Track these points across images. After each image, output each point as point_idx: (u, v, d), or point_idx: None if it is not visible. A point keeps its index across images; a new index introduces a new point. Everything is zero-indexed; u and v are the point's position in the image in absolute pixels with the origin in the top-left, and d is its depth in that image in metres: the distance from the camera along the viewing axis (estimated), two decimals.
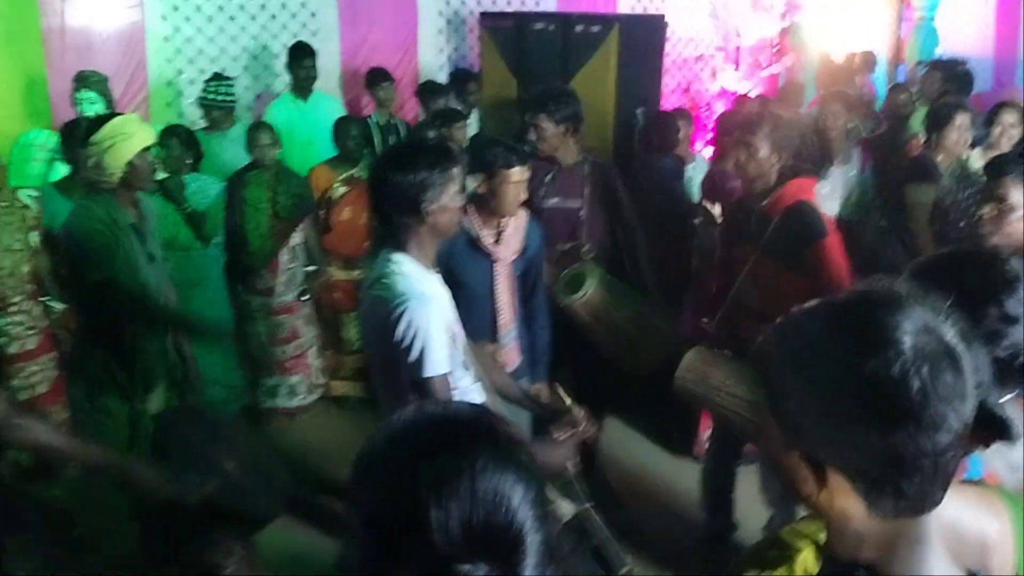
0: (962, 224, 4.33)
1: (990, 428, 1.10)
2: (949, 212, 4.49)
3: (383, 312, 2.39)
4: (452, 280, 3.17)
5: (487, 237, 3.35)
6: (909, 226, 4.63)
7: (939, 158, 4.62)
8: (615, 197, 4.22)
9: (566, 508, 2.42)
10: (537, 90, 4.26)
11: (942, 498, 1.09)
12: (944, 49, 9.91)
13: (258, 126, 5.12)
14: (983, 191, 2.60)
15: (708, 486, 3.98)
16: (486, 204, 3.34)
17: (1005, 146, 4.74)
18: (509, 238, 3.39)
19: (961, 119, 4.60)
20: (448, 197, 2.46)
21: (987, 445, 1.14)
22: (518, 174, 3.28)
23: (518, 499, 0.99)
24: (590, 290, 3.63)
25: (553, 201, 4.09)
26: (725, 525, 3.95)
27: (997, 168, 2.62)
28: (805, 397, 1.08)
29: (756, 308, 3.46)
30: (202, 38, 6.31)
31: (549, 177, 4.08)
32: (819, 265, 3.28)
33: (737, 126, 3.69)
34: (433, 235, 2.50)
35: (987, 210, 2.53)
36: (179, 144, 4.76)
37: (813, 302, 1.16)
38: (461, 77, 6.42)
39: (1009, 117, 4.77)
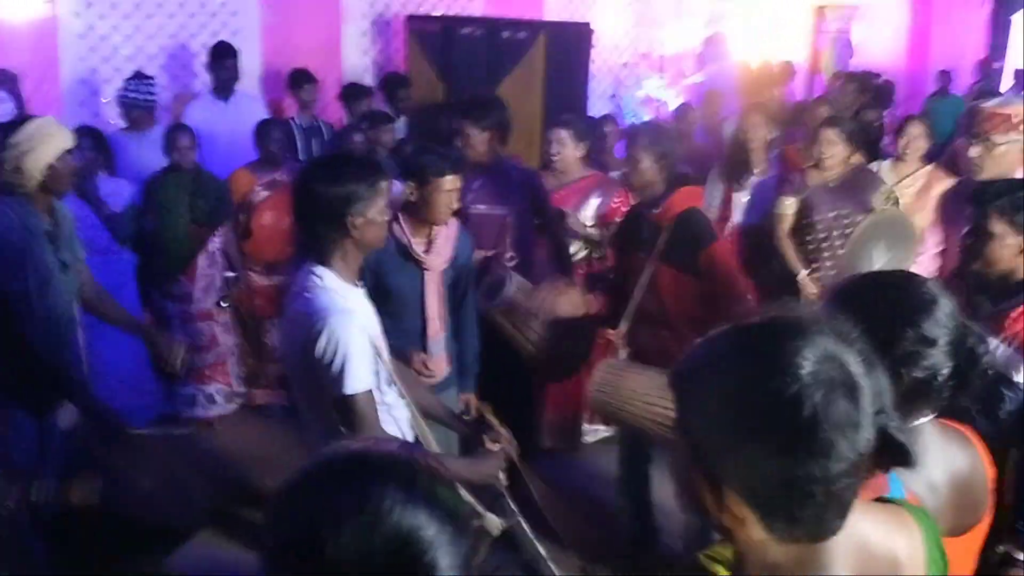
0: (835, 238, 4.47)
1: (889, 454, 1.11)
2: (817, 226, 4.58)
3: (304, 327, 2.33)
4: (382, 288, 3.14)
5: (418, 246, 3.31)
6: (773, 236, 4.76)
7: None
8: (541, 205, 4.23)
9: (495, 523, 2.39)
10: (463, 97, 4.25)
11: (839, 526, 1.10)
12: (859, 61, 10.22)
13: (177, 128, 5.00)
14: (972, 222, 2.61)
15: (625, 493, 4.00)
16: (417, 212, 3.30)
17: (912, 159, 4.88)
18: (440, 247, 3.36)
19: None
20: (374, 211, 2.40)
21: (886, 470, 1.16)
22: (450, 182, 3.26)
23: (429, 538, 0.98)
24: (507, 297, 3.62)
25: (479, 208, 4.08)
26: (647, 529, 3.98)
27: (980, 198, 2.60)
28: (708, 415, 1.09)
29: (658, 314, 3.56)
30: (118, 36, 6.10)
31: (477, 183, 4.07)
32: (712, 269, 3.43)
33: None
34: (358, 249, 2.44)
35: (971, 239, 2.57)
36: (92, 145, 4.61)
37: (725, 326, 1.18)
38: (392, 82, 6.35)
39: (915, 129, 4.92)
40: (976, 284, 2.60)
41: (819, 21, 10.33)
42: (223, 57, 5.82)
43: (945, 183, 4.64)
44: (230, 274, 5.09)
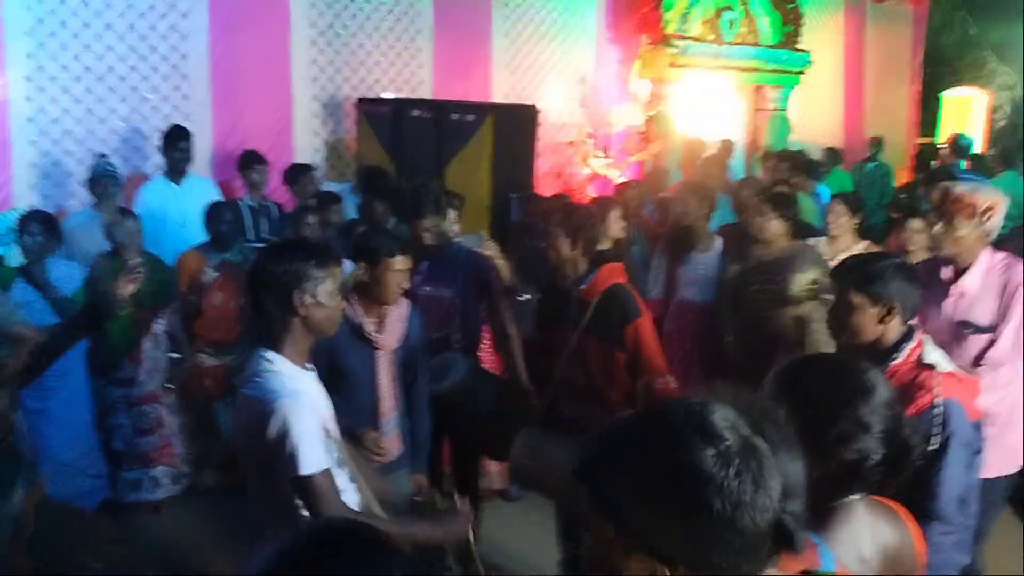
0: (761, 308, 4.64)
1: (778, 539, 1.18)
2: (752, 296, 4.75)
3: (256, 411, 2.36)
4: (335, 368, 3.18)
5: (369, 325, 3.36)
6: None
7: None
8: (488, 287, 4.32)
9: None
10: (410, 193, 4.33)
11: None
12: (797, 137, 10.61)
13: (120, 211, 5.01)
14: (836, 298, 2.73)
15: (563, 543, 4.02)
16: (368, 292, 3.37)
17: (842, 235, 5.07)
18: (391, 326, 3.42)
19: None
20: (324, 294, 2.45)
21: (770, 556, 1.21)
22: (401, 262, 3.34)
23: None
24: (456, 379, 3.69)
25: (427, 289, 4.15)
26: None
27: (839, 273, 2.73)
28: (633, 493, 1.18)
29: (583, 386, 3.69)
30: (69, 119, 6.15)
31: (423, 266, 4.15)
32: (636, 343, 3.57)
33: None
34: (307, 332, 2.47)
35: (838, 316, 2.69)
36: (42, 229, 4.61)
37: (629, 413, 1.29)
38: (295, 171, 6.31)
39: (838, 207, 5.14)
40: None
41: (757, 100, 10.73)
42: (176, 140, 5.88)
43: None
44: (175, 355, 5.07)
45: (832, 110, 12.01)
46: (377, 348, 3.37)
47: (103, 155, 5.62)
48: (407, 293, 3.54)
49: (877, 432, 1.78)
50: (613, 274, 3.67)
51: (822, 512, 1.78)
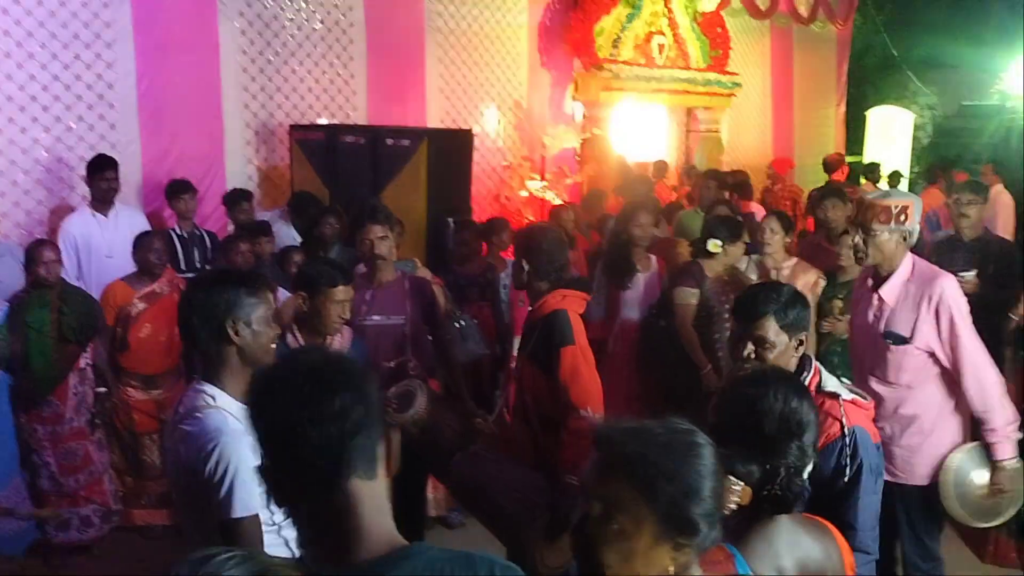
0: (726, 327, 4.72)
1: None
2: (713, 316, 4.95)
3: (194, 447, 2.28)
4: None
5: None
6: (675, 324, 5.05)
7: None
8: (433, 311, 4.29)
9: None
10: (358, 208, 4.31)
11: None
12: (728, 158, 10.82)
13: (39, 243, 4.87)
14: (740, 331, 2.72)
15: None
16: (309, 322, 3.34)
17: (774, 252, 5.15)
18: None
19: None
20: (258, 320, 2.40)
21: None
22: (342, 292, 3.32)
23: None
24: (420, 407, 3.60)
25: (376, 319, 4.11)
26: None
27: (751, 309, 2.67)
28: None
29: (520, 408, 3.70)
30: None
31: (369, 295, 4.11)
32: (561, 370, 3.41)
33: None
34: (244, 363, 2.41)
35: (746, 350, 2.66)
36: None
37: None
38: (233, 196, 6.24)
39: (774, 224, 5.22)
40: None
41: (690, 121, 10.93)
42: (102, 169, 5.73)
43: (809, 275, 4.95)
44: (102, 389, 4.91)
45: (762, 130, 12.28)
46: None
47: None
48: (350, 322, 3.50)
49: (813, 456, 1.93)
50: (554, 299, 3.55)
51: (743, 526, 1.86)
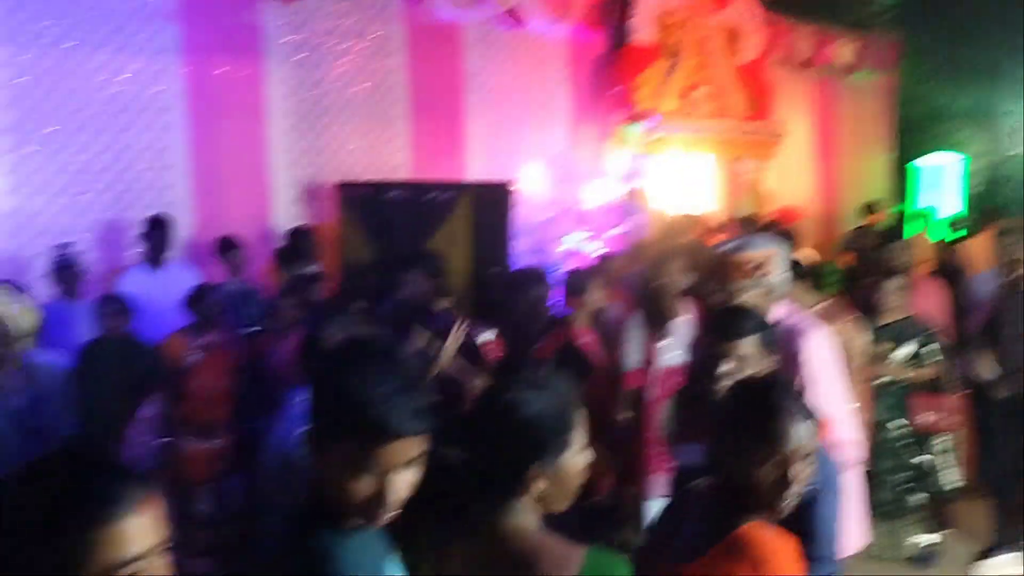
0: None
1: None
2: None
3: None
4: None
5: None
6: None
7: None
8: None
9: None
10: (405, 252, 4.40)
11: None
12: (773, 208, 10.78)
13: (105, 298, 5.05)
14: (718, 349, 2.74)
15: None
16: None
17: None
18: None
19: None
20: None
21: None
22: None
23: None
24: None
25: None
26: None
27: (735, 329, 2.71)
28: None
29: None
30: (49, 212, 6.24)
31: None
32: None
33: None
34: None
35: (727, 367, 2.68)
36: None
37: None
38: (225, 245, 6.38)
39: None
40: None
41: (734, 172, 10.92)
42: (158, 228, 5.97)
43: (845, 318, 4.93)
44: (164, 440, 5.04)
45: (808, 180, 12.23)
46: None
47: (63, 244, 5.68)
48: None
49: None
50: (564, 333, 3.71)
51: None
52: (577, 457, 1.82)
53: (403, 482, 1.57)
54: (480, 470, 1.81)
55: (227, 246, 6.18)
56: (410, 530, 1.82)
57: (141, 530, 1.33)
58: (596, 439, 3.73)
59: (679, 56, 9.74)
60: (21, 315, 3.39)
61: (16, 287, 3.51)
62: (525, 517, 1.76)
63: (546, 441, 1.76)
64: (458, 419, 1.64)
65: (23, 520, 1.26)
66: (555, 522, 1.80)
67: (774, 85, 10.85)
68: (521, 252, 7.80)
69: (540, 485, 1.76)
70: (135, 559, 1.31)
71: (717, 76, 10.23)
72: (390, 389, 1.53)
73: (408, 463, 1.57)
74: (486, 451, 1.79)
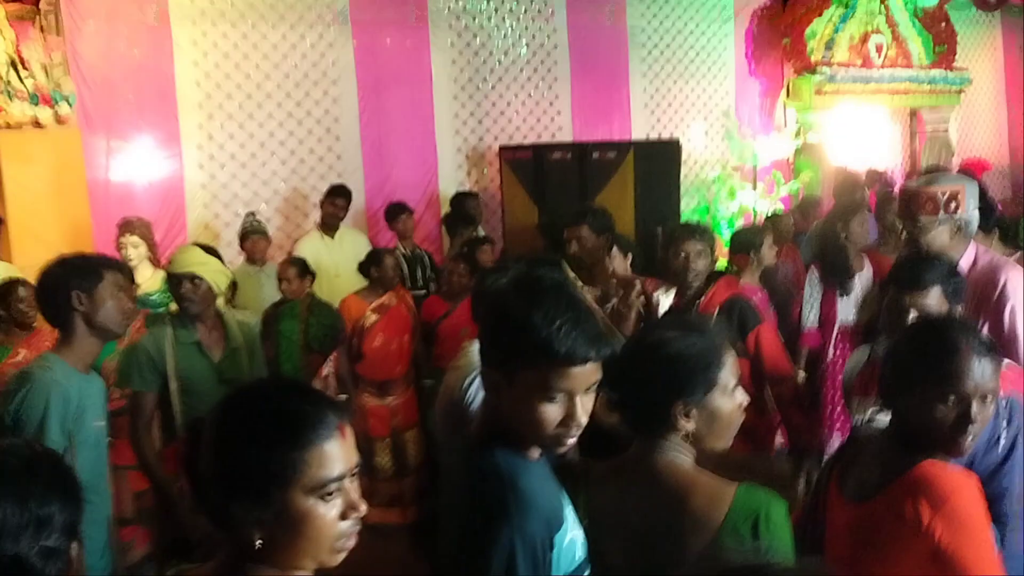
0: None
1: None
2: None
3: None
4: None
5: None
6: None
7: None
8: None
9: None
10: (573, 206, 4.40)
11: None
12: (959, 159, 10.11)
13: (289, 261, 5.30)
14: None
15: None
16: None
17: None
18: None
19: None
20: None
21: None
22: None
23: None
24: None
25: None
26: None
27: (920, 279, 2.69)
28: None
29: None
30: (236, 183, 6.62)
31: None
32: (758, 350, 3.63)
33: None
34: None
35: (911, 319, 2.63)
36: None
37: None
38: (393, 210, 6.52)
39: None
40: None
41: (915, 123, 10.31)
42: (337, 196, 6.22)
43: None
44: (343, 396, 5.26)
45: (997, 129, 11.39)
46: None
47: (251, 213, 6.02)
48: None
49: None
50: (730, 286, 3.72)
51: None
52: (726, 397, 1.82)
53: (585, 407, 1.61)
54: (631, 408, 1.84)
55: (396, 212, 6.36)
56: (569, 466, 1.88)
57: (341, 453, 1.40)
58: (772, 396, 3.69)
59: (853, 3, 9.23)
60: (218, 276, 3.59)
61: (212, 252, 3.69)
62: (677, 454, 1.79)
63: (689, 379, 1.78)
64: (612, 360, 1.65)
65: (240, 437, 1.36)
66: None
67: (956, 30, 10.12)
68: (687, 211, 7.67)
69: (688, 423, 1.78)
70: (337, 478, 1.38)
71: (894, 23, 9.64)
72: (570, 317, 1.57)
73: (588, 389, 1.61)
74: (634, 389, 1.81)
